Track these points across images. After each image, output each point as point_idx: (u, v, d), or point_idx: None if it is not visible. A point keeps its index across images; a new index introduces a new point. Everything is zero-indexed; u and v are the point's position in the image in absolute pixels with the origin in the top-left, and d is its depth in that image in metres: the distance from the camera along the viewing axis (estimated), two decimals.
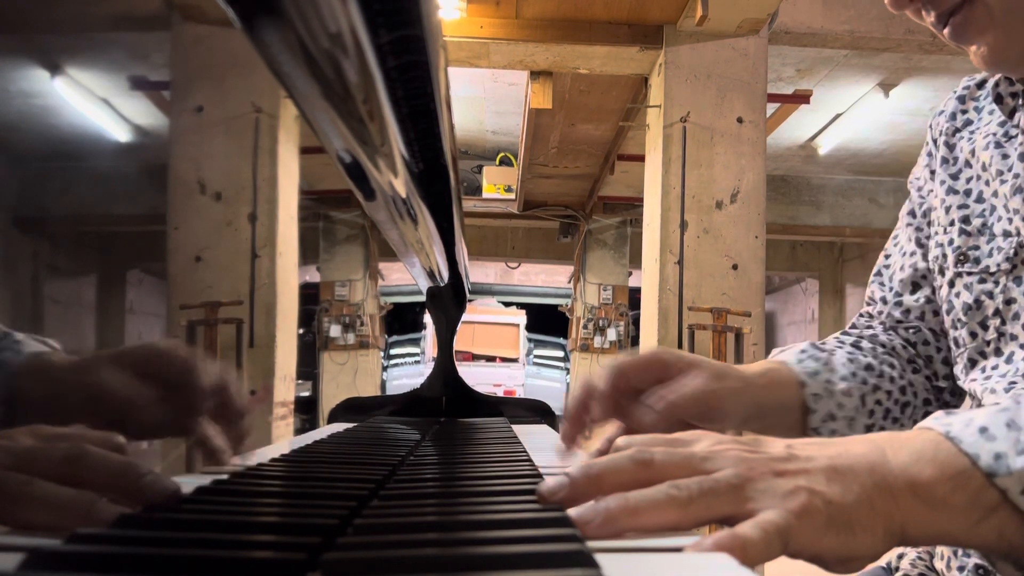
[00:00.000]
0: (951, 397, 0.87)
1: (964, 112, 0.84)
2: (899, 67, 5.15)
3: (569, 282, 9.63)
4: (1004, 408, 0.48)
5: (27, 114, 6.08)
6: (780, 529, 0.42)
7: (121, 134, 6.43)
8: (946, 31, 0.68)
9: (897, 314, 0.91)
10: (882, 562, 0.90)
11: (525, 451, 0.82)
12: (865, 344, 0.88)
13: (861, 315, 0.95)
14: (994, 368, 0.73)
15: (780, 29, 3.88)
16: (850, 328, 0.94)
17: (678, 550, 0.41)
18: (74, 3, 4.02)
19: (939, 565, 0.79)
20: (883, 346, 0.89)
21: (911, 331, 0.89)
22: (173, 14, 3.73)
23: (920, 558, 0.84)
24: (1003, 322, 0.74)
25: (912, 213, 0.90)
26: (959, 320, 0.78)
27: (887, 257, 0.94)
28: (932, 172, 0.86)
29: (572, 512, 0.44)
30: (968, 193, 0.80)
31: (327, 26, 0.38)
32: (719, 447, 0.48)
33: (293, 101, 0.44)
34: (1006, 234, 0.75)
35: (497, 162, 7.39)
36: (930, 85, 5.45)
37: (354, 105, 0.47)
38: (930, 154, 0.87)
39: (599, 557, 0.36)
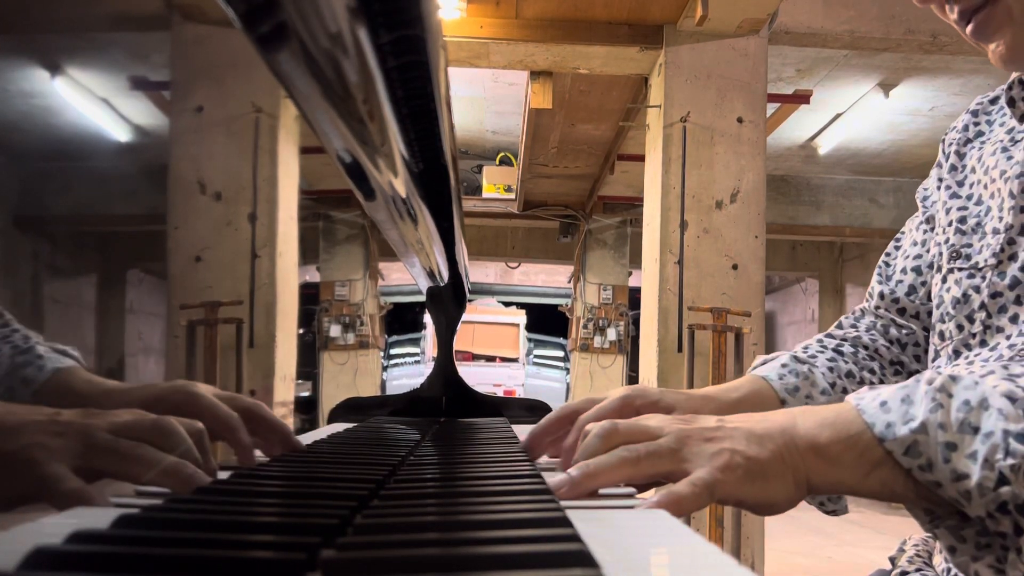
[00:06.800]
0: None
1: (976, 124, 0.86)
2: (899, 67, 5.15)
3: (569, 282, 9.62)
4: (905, 385, 0.57)
5: (27, 114, 6.08)
6: (707, 483, 0.54)
7: (121, 134, 6.43)
8: (968, 28, 0.72)
9: (893, 313, 0.93)
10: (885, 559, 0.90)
11: (525, 451, 0.82)
12: (847, 348, 0.91)
13: (852, 312, 0.98)
14: (977, 356, 0.75)
15: (780, 29, 3.88)
16: (835, 329, 0.97)
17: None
18: (74, 3, 4.02)
19: (936, 560, 0.80)
20: (865, 348, 0.92)
21: (904, 332, 0.92)
22: (173, 14, 3.73)
23: (918, 555, 0.85)
24: (989, 315, 0.75)
25: (921, 220, 0.93)
26: (947, 313, 0.80)
27: (888, 255, 0.96)
28: (940, 181, 0.88)
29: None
30: (969, 197, 0.82)
31: (327, 26, 0.38)
32: (664, 422, 0.60)
33: (293, 101, 0.44)
34: (995, 231, 0.76)
35: (497, 162, 7.39)
36: (930, 85, 5.45)
37: (354, 105, 0.47)
38: (939, 165, 0.89)
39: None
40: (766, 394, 0.85)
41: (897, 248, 0.96)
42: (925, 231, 0.92)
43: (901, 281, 0.92)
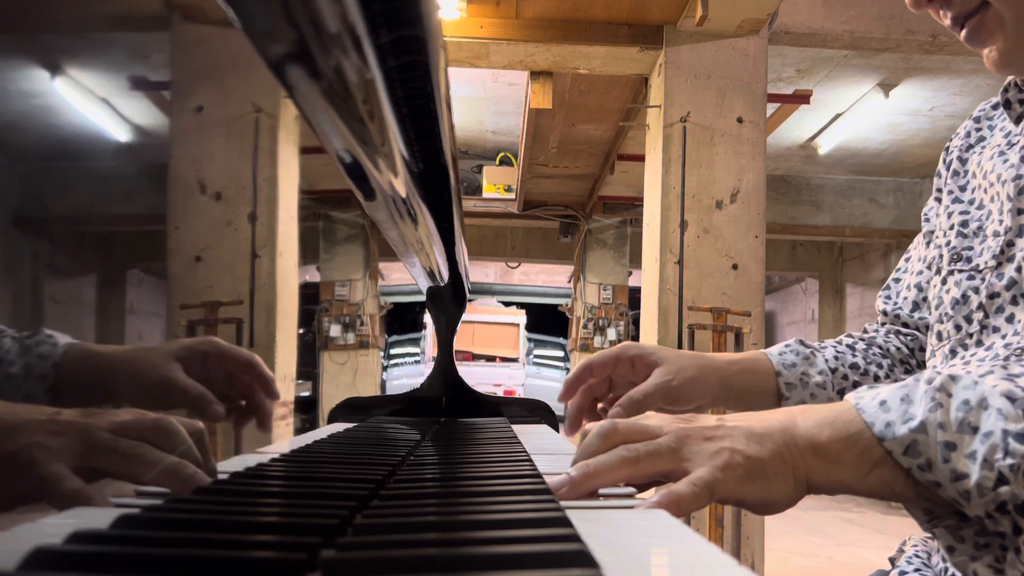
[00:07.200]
0: None
1: (979, 130, 0.88)
2: (899, 67, 5.14)
3: (569, 282, 9.62)
4: (904, 385, 0.57)
5: (27, 114, 6.08)
6: (707, 483, 0.54)
7: (121, 134, 6.42)
8: (962, 34, 0.73)
9: (899, 325, 0.97)
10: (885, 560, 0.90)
11: (525, 451, 0.82)
12: (859, 346, 0.95)
13: (869, 325, 1.01)
14: (973, 355, 0.76)
15: (780, 29, 3.88)
16: (854, 333, 0.99)
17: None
18: (74, 3, 4.02)
19: (935, 560, 0.80)
20: (879, 347, 0.94)
21: (910, 338, 0.95)
22: (173, 14, 3.73)
23: (917, 555, 0.85)
24: (986, 315, 0.76)
25: (924, 235, 0.96)
26: (946, 314, 0.81)
27: (898, 270, 1.00)
28: (939, 191, 0.90)
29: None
30: (971, 202, 0.84)
31: (327, 26, 0.38)
32: (664, 421, 0.60)
33: (293, 101, 0.44)
34: (995, 234, 0.78)
35: (497, 162, 7.38)
36: (930, 85, 5.45)
37: (354, 105, 0.47)
38: (939, 175, 0.91)
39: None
40: (761, 364, 0.88)
41: (907, 261, 0.98)
42: (928, 247, 0.94)
43: (906, 298, 0.96)
